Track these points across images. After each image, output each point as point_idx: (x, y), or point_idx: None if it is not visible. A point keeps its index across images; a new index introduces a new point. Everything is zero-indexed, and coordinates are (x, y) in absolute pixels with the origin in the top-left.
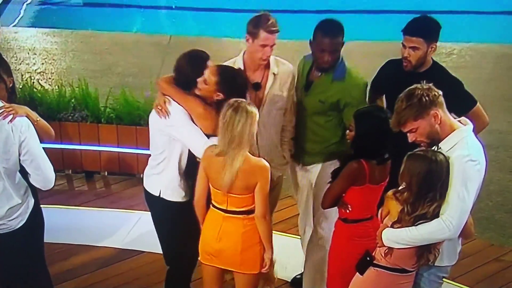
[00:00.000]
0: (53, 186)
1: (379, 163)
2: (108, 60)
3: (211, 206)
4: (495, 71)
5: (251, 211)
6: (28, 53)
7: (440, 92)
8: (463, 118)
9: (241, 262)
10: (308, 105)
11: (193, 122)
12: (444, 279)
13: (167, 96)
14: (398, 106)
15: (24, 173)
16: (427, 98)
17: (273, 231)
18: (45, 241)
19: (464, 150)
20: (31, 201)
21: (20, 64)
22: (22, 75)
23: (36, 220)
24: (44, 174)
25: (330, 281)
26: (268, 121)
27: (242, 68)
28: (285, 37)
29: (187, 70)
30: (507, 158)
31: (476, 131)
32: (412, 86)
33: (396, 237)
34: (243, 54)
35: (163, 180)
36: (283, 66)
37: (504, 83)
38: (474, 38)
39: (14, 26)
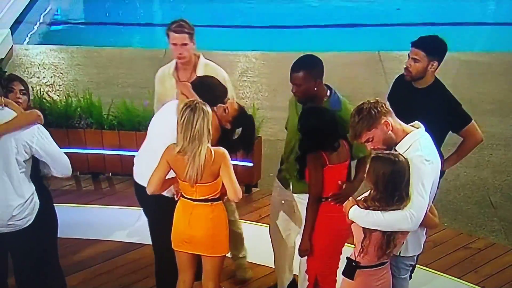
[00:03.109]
0: (63, 186)
1: (332, 151)
2: (110, 73)
3: (182, 196)
4: (457, 77)
5: (217, 199)
6: (38, 68)
7: (387, 103)
8: (416, 122)
9: (212, 245)
10: None
11: None
12: (418, 266)
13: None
14: (352, 121)
15: (34, 176)
16: (375, 109)
17: (260, 224)
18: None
19: (418, 151)
20: (37, 203)
21: (31, 77)
22: (33, 88)
23: (45, 220)
24: (63, 165)
25: (309, 262)
26: None
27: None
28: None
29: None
30: (472, 155)
31: (469, 147)
32: (361, 103)
33: (362, 216)
34: None
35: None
36: (211, 71)
37: (466, 89)
38: None
39: (26, 43)
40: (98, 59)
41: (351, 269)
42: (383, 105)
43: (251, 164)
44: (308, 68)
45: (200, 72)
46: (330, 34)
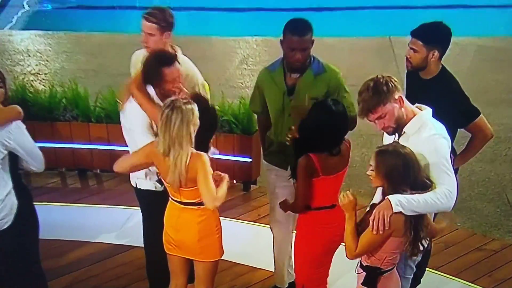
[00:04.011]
0: (48, 184)
1: (332, 155)
2: (100, 60)
3: (170, 197)
4: (473, 64)
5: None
6: (22, 55)
7: (395, 79)
8: (418, 105)
9: (200, 251)
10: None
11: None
12: (428, 269)
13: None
14: (365, 94)
15: (12, 174)
16: (392, 83)
17: (259, 225)
18: (40, 237)
19: (432, 130)
20: (15, 202)
21: (15, 66)
22: (16, 77)
23: (25, 220)
24: (37, 160)
25: (298, 270)
26: None
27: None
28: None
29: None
30: (488, 148)
31: (478, 144)
32: (373, 76)
33: (407, 202)
34: None
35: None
36: (184, 63)
37: (482, 76)
38: (454, 31)
39: (9, 29)
40: (87, 45)
41: (374, 277)
42: (397, 80)
43: (249, 160)
44: (311, 29)
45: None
46: (337, 17)
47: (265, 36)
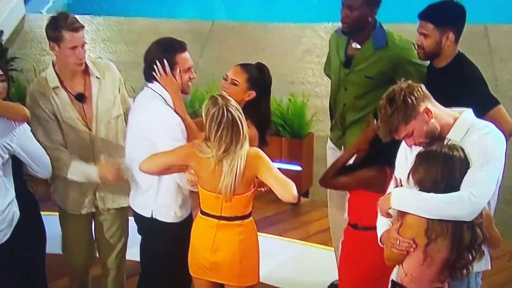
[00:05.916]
0: None
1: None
2: (142, 51)
3: (199, 214)
4: None
5: (246, 216)
6: None
7: (422, 85)
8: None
9: (239, 274)
10: (352, 84)
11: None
12: None
13: None
14: (383, 114)
15: (16, 180)
16: (411, 96)
17: (308, 244)
18: (51, 252)
19: (482, 129)
20: (17, 213)
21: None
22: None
23: (28, 233)
24: (42, 166)
25: None
26: (108, 134)
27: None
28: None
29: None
30: None
31: None
32: (390, 89)
33: (408, 198)
34: (53, 65)
35: (156, 198)
36: (104, 67)
37: None
38: None
39: (46, 12)
40: (128, 33)
41: None
42: (419, 88)
43: (299, 168)
44: None
45: (97, 72)
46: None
47: (334, 22)
